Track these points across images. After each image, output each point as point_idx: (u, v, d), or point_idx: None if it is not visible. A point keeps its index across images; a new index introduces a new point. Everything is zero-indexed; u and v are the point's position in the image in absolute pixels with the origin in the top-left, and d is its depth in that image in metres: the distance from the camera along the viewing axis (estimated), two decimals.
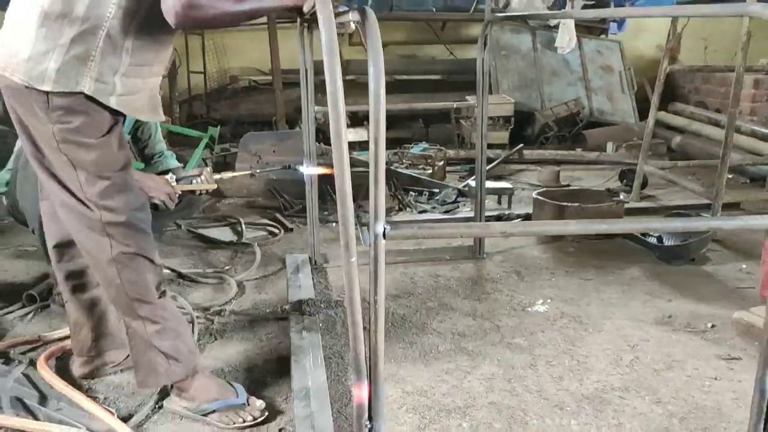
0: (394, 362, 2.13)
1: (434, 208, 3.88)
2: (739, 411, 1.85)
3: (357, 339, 1.12)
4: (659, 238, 3.11)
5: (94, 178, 1.62)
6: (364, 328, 1.23)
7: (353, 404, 1.15)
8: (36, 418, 1.79)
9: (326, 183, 3.69)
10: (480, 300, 2.63)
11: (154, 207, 2.82)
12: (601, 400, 1.90)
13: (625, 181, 4.35)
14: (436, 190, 4.18)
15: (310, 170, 2.84)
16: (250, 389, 1.95)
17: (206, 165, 3.35)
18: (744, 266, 2.97)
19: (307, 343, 2.16)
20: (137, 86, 1.64)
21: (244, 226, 3.48)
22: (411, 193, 4.10)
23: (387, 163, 4.18)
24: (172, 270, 2.85)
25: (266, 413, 1.81)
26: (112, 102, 1.58)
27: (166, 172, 2.77)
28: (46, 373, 1.94)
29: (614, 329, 2.36)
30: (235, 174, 2.99)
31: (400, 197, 3.93)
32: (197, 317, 2.40)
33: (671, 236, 3.13)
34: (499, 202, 3.97)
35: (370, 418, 1.14)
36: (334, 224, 3.63)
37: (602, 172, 4.89)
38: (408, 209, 3.86)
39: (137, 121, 3.10)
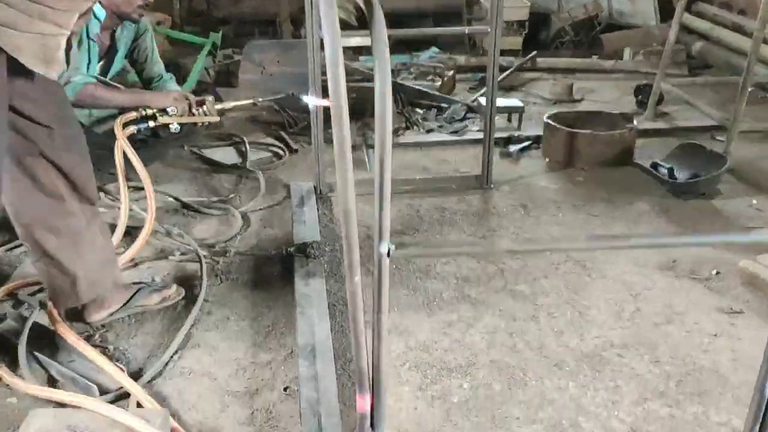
0: (398, 311, 2.16)
1: (441, 126, 3.79)
2: (736, 374, 1.89)
3: (360, 355, 1.12)
4: (670, 171, 3.05)
5: None
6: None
7: (357, 412, 1.16)
8: (48, 372, 1.85)
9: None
10: (485, 239, 2.62)
11: (155, 135, 2.77)
12: (600, 359, 1.94)
13: (640, 96, 4.21)
14: (445, 106, 4.07)
15: (314, 101, 2.75)
16: (255, 341, 2.00)
17: (209, 93, 3.25)
18: (755, 202, 2.93)
19: (311, 290, 2.18)
20: (21, 21, 1.50)
21: (248, 147, 3.42)
22: (418, 110, 3.99)
23: (393, 75, 4.04)
24: (176, 199, 2.84)
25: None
26: None
27: None
28: (57, 324, 1.97)
29: (618, 275, 2.37)
30: (237, 104, 2.91)
31: (407, 115, 3.84)
32: (204, 256, 2.42)
33: (682, 169, 3.07)
34: (510, 120, 3.87)
35: (372, 426, 1.16)
36: None
37: (617, 84, 4.73)
38: (415, 127, 3.78)
39: (133, 41, 2.98)
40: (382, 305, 1.12)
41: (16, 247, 2.46)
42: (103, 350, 1.95)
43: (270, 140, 3.57)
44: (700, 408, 1.77)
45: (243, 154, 3.36)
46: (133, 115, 2.61)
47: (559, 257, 2.48)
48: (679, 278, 2.36)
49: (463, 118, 3.94)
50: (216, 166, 3.25)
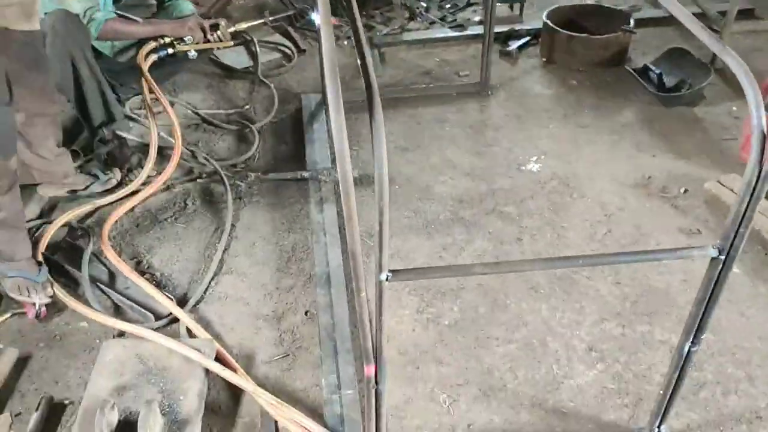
0: (401, 235, 2.49)
1: (444, 18, 3.87)
2: (684, 294, 2.24)
3: (366, 337, 1.46)
4: (659, 76, 3.22)
5: None
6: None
7: (364, 376, 1.53)
8: (110, 298, 2.23)
9: None
10: (480, 155, 2.88)
11: (173, 55, 2.95)
12: (571, 282, 2.29)
13: None
14: None
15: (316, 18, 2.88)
16: (279, 266, 2.35)
17: (223, 18, 3.33)
18: (734, 108, 3.14)
19: (324, 216, 2.50)
20: None
21: (258, 48, 3.55)
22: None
23: None
24: (197, 114, 3.07)
25: (50, 299, 2.15)
26: None
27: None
28: (111, 255, 2.32)
29: (596, 194, 2.66)
30: (249, 24, 3.03)
31: (409, 4, 3.90)
32: (227, 177, 2.70)
33: (671, 74, 3.23)
34: (512, 9, 3.94)
35: (376, 383, 1.54)
36: (345, 42, 3.71)
37: None
38: (419, 19, 3.87)
39: None
40: (382, 323, 1.43)
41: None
42: (152, 277, 2.32)
43: (278, 38, 3.69)
44: (648, 327, 2.15)
45: (254, 56, 3.52)
46: (152, 45, 2.78)
47: (546, 174, 2.76)
48: (650, 196, 2.65)
49: (467, 5, 4.00)
50: (229, 71, 3.43)
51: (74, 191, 2.59)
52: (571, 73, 3.39)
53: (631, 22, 3.44)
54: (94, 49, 2.67)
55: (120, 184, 2.66)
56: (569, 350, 2.08)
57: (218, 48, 2.96)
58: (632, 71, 3.30)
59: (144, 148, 2.82)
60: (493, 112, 3.15)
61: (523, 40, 3.63)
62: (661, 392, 1.71)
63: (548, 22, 3.45)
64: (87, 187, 2.60)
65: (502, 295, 2.26)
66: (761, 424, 1.87)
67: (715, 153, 2.88)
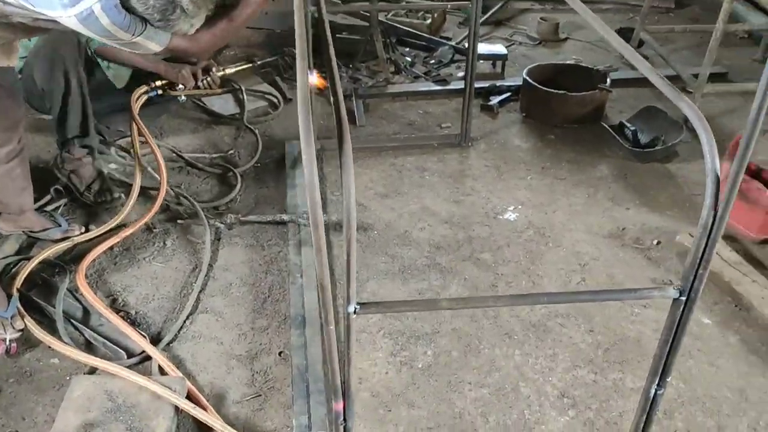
0: (377, 279, 2.51)
1: (428, 72, 3.98)
2: (655, 344, 2.26)
3: (335, 376, 1.47)
4: (634, 133, 3.31)
5: None
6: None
7: (333, 411, 1.53)
8: (83, 335, 2.22)
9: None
10: (458, 203, 2.93)
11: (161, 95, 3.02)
12: (545, 329, 2.31)
13: None
14: (432, 46, 4.24)
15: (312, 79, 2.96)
16: (254, 307, 2.36)
17: (214, 63, 3.42)
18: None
19: (302, 259, 2.52)
20: None
21: (245, 95, 3.63)
22: (406, 52, 4.16)
23: (381, 14, 4.16)
24: (181, 157, 3.12)
25: (21, 333, 2.15)
26: None
27: None
28: (86, 292, 2.31)
29: (571, 244, 2.71)
30: (238, 69, 3.12)
31: (395, 60, 4.02)
32: (207, 217, 2.73)
33: (645, 131, 3.33)
34: (494, 66, 4.06)
35: (344, 419, 1.54)
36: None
37: (607, 18, 4.85)
38: (403, 73, 3.98)
39: None
40: (351, 356, 1.44)
41: (40, 207, 2.77)
42: (126, 315, 2.31)
43: (265, 87, 3.77)
44: (620, 374, 2.16)
45: (241, 103, 3.59)
46: (144, 88, 2.86)
47: (523, 223, 2.81)
48: (624, 247, 2.70)
49: (451, 61, 4.12)
50: (216, 117, 3.50)
51: (32, 232, 2.59)
52: (549, 128, 3.48)
53: (608, 81, 3.56)
54: (88, 70, 2.75)
55: (84, 233, 2.66)
56: (541, 396, 2.08)
57: (207, 94, 3.04)
58: (609, 128, 3.39)
59: (127, 186, 2.85)
60: (472, 163, 3.21)
61: (503, 96, 3.73)
62: None
63: (528, 79, 3.57)
64: (45, 230, 2.59)
65: (476, 340, 2.27)
66: None
67: (687, 207, 2.94)
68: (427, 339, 2.27)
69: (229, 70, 3.03)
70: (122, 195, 2.81)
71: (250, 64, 3.10)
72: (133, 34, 1.71)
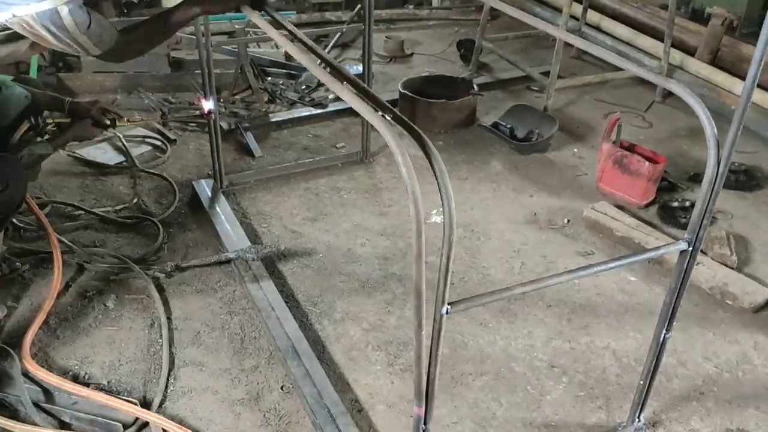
0: (342, 299, 2.53)
1: (302, 97, 4.04)
2: (603, 305, 2.56)
3: (420, 381, 1.51)
4: (511, 130, 3.66)
5: None
6: None
7: (414, 415, 1.56)
8: (60, 419, 1.99)
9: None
10: (384, 215, 3.04)
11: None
12: (511, 313, 2.50)
13: (462, 50, 4.76)
14: (295, 73, 4.30)
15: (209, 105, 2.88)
16: (234, 349, 2.27)
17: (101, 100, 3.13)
18: (575, 150, 3.65)
19: (266, 293, 2.46)
20: None
21: (124, 142, 3.42)
22: (268, 78, 4.17)
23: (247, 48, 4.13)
24: (91, 212, 2.87)
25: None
26: None
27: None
28: (43, 373, 2.07)
29: (499, 234, 2.94)
30: (141, 122, 2.94)
31: (269, 89, 4.03)
32: (142, 270, 2.56)
33: (519, 127, 3.69)
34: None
35: (425, 423, 1.58)
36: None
37: (436, 33, 5.27)
38: (278, 101, 4.00)
39: None
40: (437, 358, 1.50)
41: None
42: (99, 387, 2.11)
43: (141, 131, 3.58)
44: (588, 338, 2.41)
45: (124, 150, 3.38)
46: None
47: None
48: (543, 230, 2.99)
49: (318, 85, 4.21)
50: (101, 168, 3.26)
51: None
52: (434, 135, 3.71)
53: (475, 87, 3.88)
54: None
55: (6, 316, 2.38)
56: (534, 371, 2.26)
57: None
58: (489, 128, 3.71)
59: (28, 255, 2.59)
60: (381, 176, 3.34)
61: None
62: (641, 382, 1.95)
63: (406, 92, 3.78)
64: None
65: (458, 335, 2.39)
66: (704, 398, 2.19)
67: (575, 187, 3.32)
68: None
69: (132, 122, 2.84)
70: (23, 264, 2.56)
71: (158, 116, 2.94)
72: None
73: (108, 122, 2.58)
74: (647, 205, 3.16)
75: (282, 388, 2.15)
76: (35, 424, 1.94)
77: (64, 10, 1.70)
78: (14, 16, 1.70)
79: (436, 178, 1.28)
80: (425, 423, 1.60)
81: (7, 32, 1.79)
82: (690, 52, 4.36)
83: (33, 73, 3.76)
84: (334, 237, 2.88)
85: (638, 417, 2.02)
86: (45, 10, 1.69)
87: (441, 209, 1.32)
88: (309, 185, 3.23)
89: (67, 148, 3.30)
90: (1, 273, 2.52)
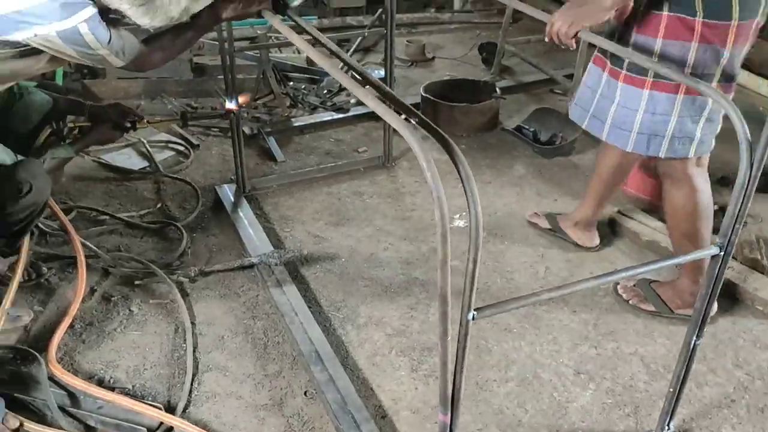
0: (366, 304, 2.52)
1: (323, 102, 4.04)
2: (630, 310, 2.51)
3: (446, 388, 1.50)
4: (534, 133, 3.63)
5: None
6: None
7: (439, 422, 1.55)
8: (86, 423, 2.00)
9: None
10: (407, 219, 3.02)
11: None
12: (536, 318, 2.47)
13: (484, 54, 4.74)
14: (317, 77, 4.31)
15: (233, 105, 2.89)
16: (258, 354, 2.27)
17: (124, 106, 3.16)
18: None
19: (289, 298, 2.45)
20: None
21: (148, 147, 3.45)
22: (290, 83, 4.18)
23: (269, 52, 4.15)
24: (115, 217, 2.90)
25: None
26: None
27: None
28: (69, 377, 2.09)
29: (522, 238, 2.91)
30: (163, 121, 2.96)
31: (291, 94, 4.03)
32: (168, 276, 2.57)
33: (543, 131, 3.66)
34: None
35: (451, 431, 1.56)
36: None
37: (457, 36, 5.25)
38: (300, 105, 4.00)
39: None
40: (463, 364, 1.48)
41: None
42: (124, 392, 2.12)
43: (165, 136, 3.61)
44: (615, 344, 2.37)
45: (148, 155, 3.40)
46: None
47: None
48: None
49: (339, 90, 4.21)
50: (125, 174, 3.29)
51: None
52: (456, 138, 3.65)
53: (498, 90, 3.86)
54: None
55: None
56: (561, 377, 2.23)
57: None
58: (512, 131, 3.68)
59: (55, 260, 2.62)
60: (403, 181, 3.32)
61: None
62: (671, 389, 1.91)
63: (428, 95, 3.76)
64: None
65: (482, 341, 2.37)
66: (735, 405, 2.14)
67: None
68: (438, 349, 2.33)
69: (151, 123, 2.86)
70: (49, 269, 2.58)
71: (179, 119, 2.96)
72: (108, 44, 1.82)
73: (128, 125, 2.59)
74: None
75: (305, 393, 2.14)
76: (61, 428, 1.95)
77: (84, 27, 1.73)
78: (36, 35, 1.73)
79: (462, 183, 1.26)
80: (451, 430, 1.58)
81: (21, 49, 1.80)
82: None
83: (59, 80, 3.80)
84: (356, 242, 2.87)
85: (668, 425, 1.98)
86: (66, 29, 1.72)
87: (463, 213, 1.30)
88: (331, 190, 3.23)
89: (92, 154, 3.34)
90: (27, 278, 2.54)
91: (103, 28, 1.79)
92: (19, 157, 2.21)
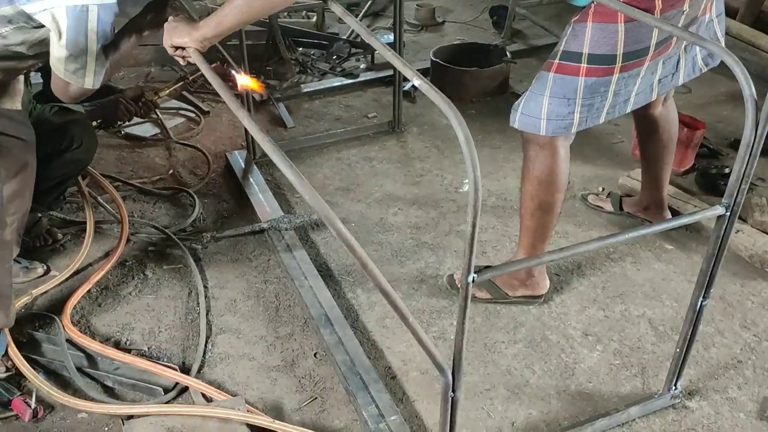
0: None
1: (333, 68, 4.03)
2: (639, 274, 2.53)
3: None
4: None
5: None
6: None
7: (442, 384, 1.58)
8: (103, 384, 2.06)
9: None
10: (417, 184, 3.03)
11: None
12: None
13: (495, 17, 4.68)
14: (326, 43, 4.28)
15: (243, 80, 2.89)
16: (269, 317, 2.31)
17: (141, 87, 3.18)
18: None
19: (299, 262, 2.49)
20: None
21: (159, 114, 3.46)
22: (299, 49, 4.16)
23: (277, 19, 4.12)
24: (128, 184, 2.93)
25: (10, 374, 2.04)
26: None
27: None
28: (86, 340, 2.14)
29: None
30: (172, 88, 2.97)
31: (300, 60, 4.02)
32: (181, 241, 2.61)
33: None
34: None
35: (453, 390, 1.59)
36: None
37: (470, 0, 5.17)
38: (309, 71, 3.99)
39: None
40: (465, 326, 1.50)
41: None
42: (140, 353, 2.17)
43: (175, 103, 3.62)
44: (623, 306, 2.39)
45: (158, 124, 3.42)
46: None
47: (483, 193, 2.96)
48: (575, 198, 2.95)
49: (349, 55, 4.19)
50: (137, 140, 3.31)
51: None
52: (466, 103, 3.67)
53: (508, 54, 3.82)
54: None
55: (46, 274, 2.46)
56: (568, 339, 2.25)
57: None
58: (518, 97, 3.64)
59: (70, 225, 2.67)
60: (413, 146, 3.33)
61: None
62: (677, 350, 1.93)
63: (438, 60, 3.74)
64: None
65: (490, 304, 2.39)
66: (741, 366, 2.16)
67: (611, 154, 3.27)
68: (447, 311, 2.36)
69: (163, 93, 2.88)
70: (65, 236, 2.63)
71: (181, 82, 2.97)
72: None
73: (138, 109, 2.63)
74: (686, 173, 3.10)
75: (315, 355, 2.19)
76: (83, 395, 2.00)
77: (93, 11, 1.70)
78: (45, 9, 1.70)
79: (462, 146, 1.25)
80: (454, 390, 1.61)
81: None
82: (732, 14, 4.22)
83: None
84: (365, 207, 2.88)
85: (675, 385, 2.01)
86: (76, 5, 1.69)
87: None
88: (341, 155, 3.24)
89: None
90: (43, 243, 2.59)
91: (110, 29, 1.78)
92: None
